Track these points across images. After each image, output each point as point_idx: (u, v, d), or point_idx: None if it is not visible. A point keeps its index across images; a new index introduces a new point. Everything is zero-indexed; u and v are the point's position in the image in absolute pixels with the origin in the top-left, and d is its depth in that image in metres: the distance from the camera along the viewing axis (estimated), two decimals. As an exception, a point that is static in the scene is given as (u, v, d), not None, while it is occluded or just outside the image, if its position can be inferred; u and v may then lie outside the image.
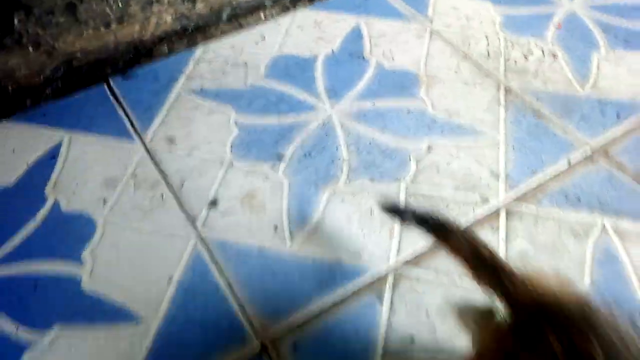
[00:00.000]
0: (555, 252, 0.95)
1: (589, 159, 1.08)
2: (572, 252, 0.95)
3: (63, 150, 1.11)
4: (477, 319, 0.70)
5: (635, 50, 1.30)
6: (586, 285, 0.90)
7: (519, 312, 0.59)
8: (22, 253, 0.96)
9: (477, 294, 0.66)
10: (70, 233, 0.99)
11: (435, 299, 0.90)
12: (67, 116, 1.18)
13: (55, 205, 1.02)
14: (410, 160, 1.09)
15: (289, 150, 1.11)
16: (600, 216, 0.99)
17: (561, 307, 0.56)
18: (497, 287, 0.62)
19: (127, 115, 1.17)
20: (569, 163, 1.07)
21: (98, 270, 0.94)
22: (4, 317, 0.88)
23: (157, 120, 1.17)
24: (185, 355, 0.84)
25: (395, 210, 0.87)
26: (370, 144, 1.12)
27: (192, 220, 1.00)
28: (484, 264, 0.64)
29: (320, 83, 1.24)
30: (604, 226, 0.98)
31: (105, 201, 1.03)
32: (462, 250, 0.67)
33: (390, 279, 0.92)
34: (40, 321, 0.88)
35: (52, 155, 1.10)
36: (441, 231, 0.72)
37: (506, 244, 0.96)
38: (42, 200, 1.03)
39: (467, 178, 1.05)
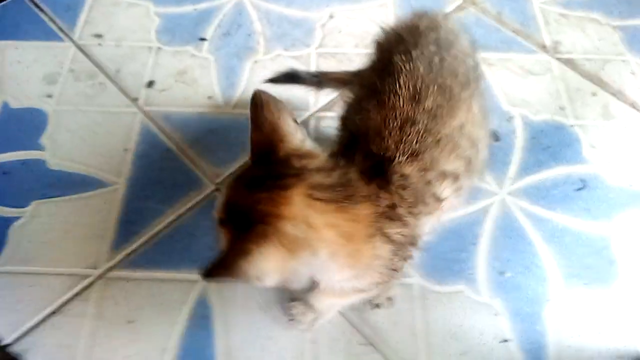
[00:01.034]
0: (440, 83, 1.18)
1: (459, 8, 1.30)
2: (452, 81, 1.18)
3: (-4, 56, 1.19)
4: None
5: None
6: (464, 104, 1.15)
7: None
8: (-16, 148, 1.07)
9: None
10: (25, 126, 1.10)
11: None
12: (-9, 27, 1.24)
13: (4, 104, 1.12)
14: (316, 28, 1.26)
15: (209, 31, 1.24)
16: (472, 51, 1.23)
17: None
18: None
19: (50, 19, 1.25)
20: (445, 13, 1.29)
21: (59, 151, 1.06)
22: (-18, 203, 1.01)
23: (80, 19, 1.26)
24: (154, 206, 1.01)
25: (290, 76, 1.06)
26: (279, 18, 1.28)
27: (133, 99, 1.13)
28: (350, 76, 0.97)
29: (226, -30, 1.36)
30: (475, 58, 1.21)
31: (50, 95, 1.14)
32: (340, 78, 1.01)
33: (312, 121, 1.12)
34: (17, 199, 1.01)
35: (-14, 63, 1.18)
36: (325, 76, 1.04)
37: (401, 82, 1.17)
38: (-11, 102, 1.12)
39: (364, 35, 1.25)
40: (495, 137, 1.10)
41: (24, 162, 1.05)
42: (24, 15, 1.26)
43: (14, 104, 1.12)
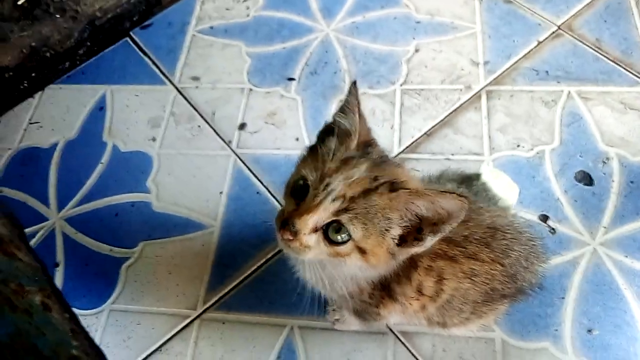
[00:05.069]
0: (530, 120, 1.14)
1: (554, 35, 1.24)
2: (544, 118, 1.14)
3: (108, 101, 1.31)
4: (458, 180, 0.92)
5: None
6: (556, 144, 1.10)
7: None
8: (100, 190, 1.19)
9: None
10: (132, 168, 1.21)
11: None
12: (103, 72, 1.36)
13: (115, 148, 1.24)
14: (401, 63, 1.26)
15: (297, 71, 1.29)
16: (566, 84, 1.17)
17: None
18: None
19: (153, 62, 1.36)
20: (538, 42, 1.24)
21: (162, 194, 1.16)
22: (98, 242, 1.13)
23: (180, 62, 1.35)
24: (246, 249, 1.08)
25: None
26: (365, 53, 1.29)
27: (227, 142, 1.21)
28: None
29: (314, 5, 1.39)
30: (569, 93, 1.16)
31: (154, 138, 1.24)
32: None
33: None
34: (126, 240, 1.12)
35: (99, 107, 1.31)
36: None
37: (488, 120, 1.15)
38: (103, 145, 1.25)
39: (451, 69, 1.23)
40: (589, 180, 1.06)
41: (133, 204, 1.16)
42: (130, 59, 1.37)
43: (123, 148, 1.24)
